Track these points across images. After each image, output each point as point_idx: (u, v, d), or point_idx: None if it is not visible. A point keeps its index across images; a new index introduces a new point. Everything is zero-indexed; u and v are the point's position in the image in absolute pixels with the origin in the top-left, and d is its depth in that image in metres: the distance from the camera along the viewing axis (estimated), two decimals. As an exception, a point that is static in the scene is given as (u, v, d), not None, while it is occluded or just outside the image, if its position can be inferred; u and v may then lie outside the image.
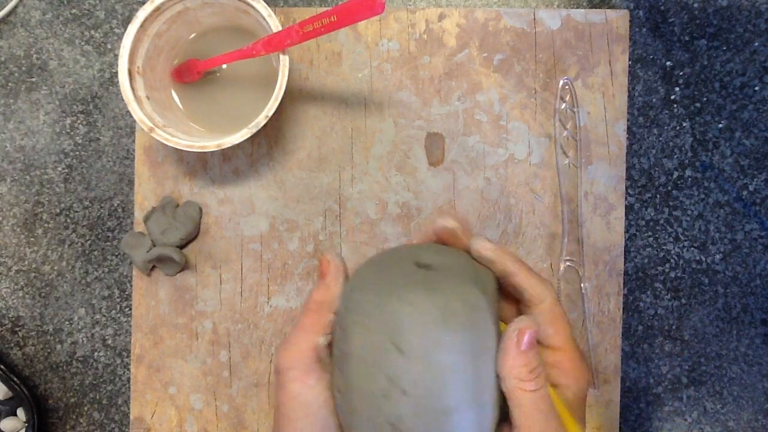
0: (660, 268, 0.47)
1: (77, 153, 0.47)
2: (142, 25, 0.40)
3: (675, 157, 0.47)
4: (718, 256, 0.47)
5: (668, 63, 0.47)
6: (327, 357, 0.30)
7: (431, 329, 0.26)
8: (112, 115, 0.47)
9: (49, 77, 0.47)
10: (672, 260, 0.47)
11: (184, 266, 0.46)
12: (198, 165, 0.46)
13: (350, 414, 0.28)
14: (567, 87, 0.46)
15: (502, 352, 0.28)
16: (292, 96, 0.46)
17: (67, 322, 0.47)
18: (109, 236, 0.47)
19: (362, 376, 0.27)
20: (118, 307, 0.47)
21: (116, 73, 0.47)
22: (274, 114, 0.40)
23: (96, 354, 0.47)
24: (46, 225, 0.47)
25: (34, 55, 0.47)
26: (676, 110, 0.47)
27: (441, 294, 0.27)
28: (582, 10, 0.46)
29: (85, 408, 0.47)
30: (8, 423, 0.45)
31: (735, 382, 0.47)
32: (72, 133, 0.47)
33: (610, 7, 0.47)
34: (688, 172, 0.47)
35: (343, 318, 0.29)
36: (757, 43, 0.47)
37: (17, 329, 0.47)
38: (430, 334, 0.26)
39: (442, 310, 0.27)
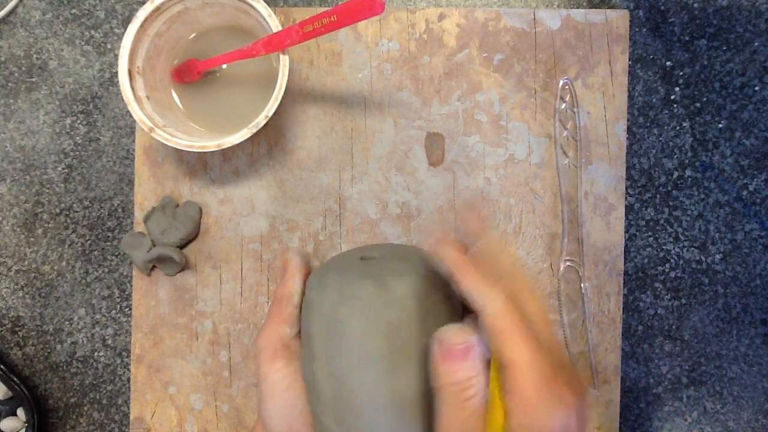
0: (660, 268, 0.47)
1: (77, 153, 0.47)
2: (142, 25, 0.40)
3: (675, 157, 0.47)
4: (718, 256, 0.47)
5: (668, 63, 0.47)
6: (295, 345, 0.32)
7: (365, 315, 0.29)
8: (112, 115, 0.47)
9: (49, 77, 0.47)
10: (672, 260, 0.47)
11: (184, 266, 0.46)
12: (198, 165, 0.46)
13: (313, 389, 0.30)
14: (567, 87, 0.46)
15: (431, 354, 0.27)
16: (292, 96, 0.46)
17: (67, 322, 0.47)
18: (109, 236, 0.47)
19: (318, 357, 0.30)
20: (118, 307, 0.47)
21: (116, 73, 0.47)
22: (274, 114, 0.39)
23: (96, 354, 0.47)
24: (46, 225, 0.47)
25: (34, 55, 0.47)
26: (676, 110, 0.47)
27: (374, 278, 0.30)
28: (582, 10, 0.46)
29: (85, 408, 0.47)
30: (8, 423, 0.45)
31: (735, 382, 0.47)
32: (72, 133, 0.47)
33: (610, 7, 0.47)
34: (688, 172, 0.47)
35: (304, 305, 0.33)
36: (757, 43, 0.47)
37: (17, 329, 0.47)
38: (365, 319, 0.29)
39: (375, 294, 0.29)
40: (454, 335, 0.26)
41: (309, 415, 0.31)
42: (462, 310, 0.31)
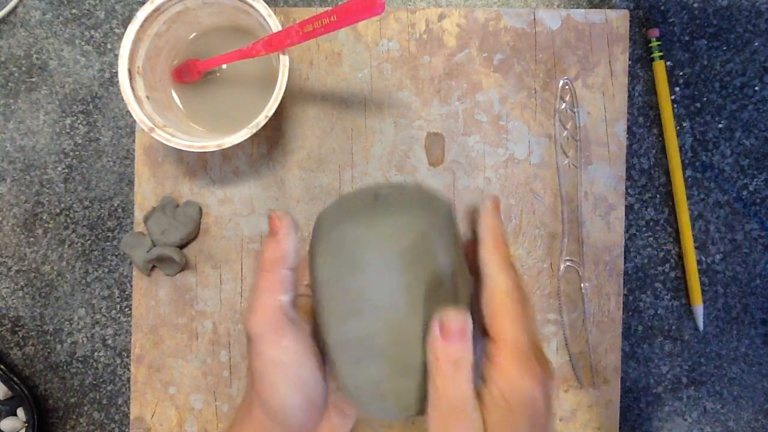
0: (660, 268, 0.47)
1: (77, 153, 0.47)
2: (142, 25, 0.40)
3: (675, 157, 0.47)
4: (718, 256, 0.47)
5: (668, 63, 0.47)
6: (294, 312, 0.31)
7: (383, 246, 0.29)
8: (112, 115, 0.47)
9: (49, 77, 0.47)
10: (672, 260, 0.47)
11: (184, 266, 0.46)
12: (198, 165, 0.46)
13: (327, 337, 0.30)
14: (567, 87, 0.46)
15: (428, 332, 0.29)
16: (292, 96, 0.46)
17: (67, 322, 0.47)
18: (109, 236, 0.47)
19: (331, 300, 0.29)
20: (118, 307, 0.47)
21: (116, 73, 0.47)
22: (274, 114, 0.39)
23: (96, 354, 0.47)
24: (46, 225, 0.47)
25: (34, 55, 0.47)
26: (676, 110, 0.47)
27: (391, 216, 0.30)
28: (582, 10, 0.46)
29: (85, 408, 0.47)
30: (8, 423, 0.45)
31: (735, 382, 0.47)
32: (72, 133, 0.47)
33: (610, 7, 0.47)
34: (688, 172, 0.47)
35: (311, 250, 0.31)
36: (757, 43, 0.47)
37: (17, 329, 0.47)
38: (383, 252, 0.29)
39: (392, 229, 0.29)
40: (455, 317, 0.28)
41: (322, 383, 0.31)
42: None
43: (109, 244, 0.47)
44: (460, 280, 0.30)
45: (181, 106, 0.45)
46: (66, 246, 0.47)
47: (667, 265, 0.47)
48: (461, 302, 0.30)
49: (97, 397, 0.47)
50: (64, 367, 0.47)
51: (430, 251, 0.29)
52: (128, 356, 0.47)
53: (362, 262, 0.29)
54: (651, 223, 0.47)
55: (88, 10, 0.47)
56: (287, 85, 0.39)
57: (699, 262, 0.47)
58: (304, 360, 0.30)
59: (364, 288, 0.29)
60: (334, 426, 0.33)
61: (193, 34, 0.45)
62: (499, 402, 0.27)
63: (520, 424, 0.27)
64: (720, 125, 0.47)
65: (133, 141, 0.47)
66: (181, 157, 0.46)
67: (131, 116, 0.46)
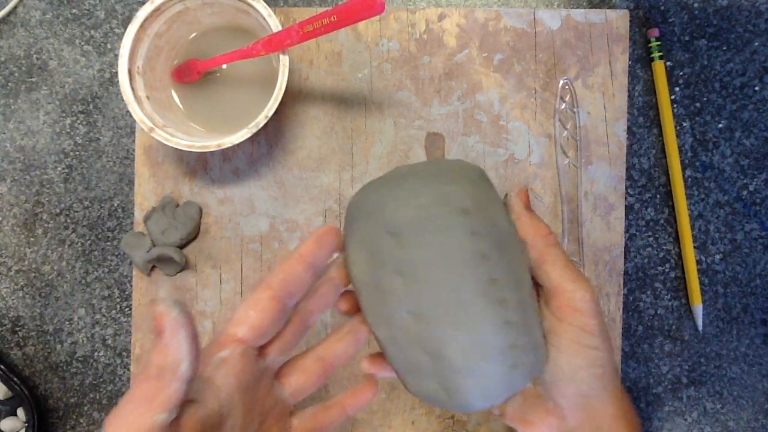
0: (660, 268, 0.47)
1: (77, 153, 0.47)
2: (142, 25, 0.40)
3: (675, 157, 0.47)
4: (718, 256, 0.47)
5: (668, 63, 0.47)
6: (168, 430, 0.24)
7: (424, 207, 0.27)
8: (112, 115, 0.47)
9: (49, 77, 0.47)
10: (672, 260, 0.47)
11: (184, 266, 0.46)
12: (198, 165, 0.46)
13: (377, 332, 0.29)
14: (567, 87, 0.46)
15: (519, 219, 0.31)
16: (292, 96, 0.46)
17: (67, 322, 0.47)
18: (109, 236, 0.47)
19: (367, 269, 0.28)
20: (118, 307, 0.47)
21: (116, 73, 0.47)
22: (274, 114, 0.40)
23: (96, 354, 0.47)
24: (46, 225, 0.47)
25: (34, 55, 0.47)
26: (676, 110, 0.47)
27: (438, 183, 0.29)
28: (582, 10, 0.46)
29: (85, 408, 0.47)
30: (8, 423, 0.45)
31: (735, 382, 0.47)
32: (72, 133, 0.47)
33: (610, 7, 0.47)
34: (688, 172, 0.47)
35: (346, 244, 0.30)
36: (757, 43, 0.47)
37: (17, 329, 0.47)
38: (423, 213, 0.27)
39: (438, 193, 0.28)
40: (523, 186, 0.32)
41: None
42: None
43: (109, 244, 0.47)
44: (516, 241, 0.30)
45: (181, 106, 0.45)
46: (66, 246, 0.47)
47: (667, 265, 0.47)
48: (520, 264, 0.30)
49: (97, 397, 0.47)
50: (64, 367, 0.47)
51: (484, 217, 0.29)
52: (128, 356, 0.47)
53: (397, 227, 0.27)
54: (651, 223, 0.47)
55: (88, 10, 0.47)
56: (287, 85, 0.39)
57: (699, 262, 0.47)
58: None
59: (401, 255, 0.27)
60: None
61: (193, 34, 0.45)
62: (569, 313, 0.30)
63: (591, 323, 0.29)
64: (720, 125, 0.47)
65: (133, 141, 0.47)
66: (181, 157, 0.46)
67: (131, 116, 0.46)
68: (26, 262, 0.47)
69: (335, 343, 0.32)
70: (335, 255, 0.31)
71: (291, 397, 0.32)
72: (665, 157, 0.47)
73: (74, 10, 0.47)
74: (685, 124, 0.47)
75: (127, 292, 0.47)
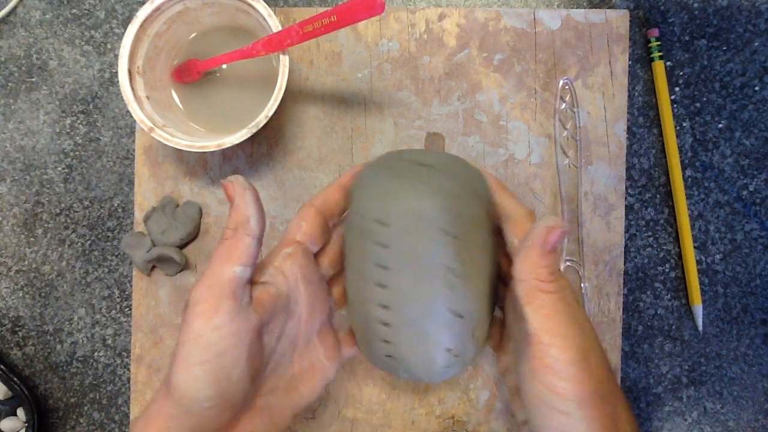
0: (660, 268, 0.47)
1: (77, 153, 0.47)
2: (142, 25, 0.40)
3: (675, 157, 0.47)
4: (718, 256, 0.47)
5: (668, 63, 0.47)
6: (245, 294, 0.27)
7: (414, 200, 0.31)
8: (112, 115, 0.47)
9: (49, 77, 0.47)
10: (672, 260, 0.47)
11: (184, 266, 0.46)
12: (198, 165, 0.46)
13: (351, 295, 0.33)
14: (567, 87, 0.46)
15: (524, 251, 0.28)
16: (292, 96, 0.46)
17: (67, 322, 0.47)
18: (109, 236, 0.47)
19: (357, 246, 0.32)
20: (118, 307, 0.47)
21: (116, 73, 0.47)
22: (274, 114, 0.39)
23: (96, 354, 0.47)
24: (46, 225, 0.47)
25: (34, 55, 0.47)
26: (676, 110, 0.47)
27: (433, 178, 0.32)
28: (582, 10, 0.46)
29: (85, 408, 0.47)
30: (8, 423, 0.45)
31: (735, 382, 0.47)
32: (72, 133, 0.47)
33: (610, 7, 0.47)
34: (688, 172, 0.47)
35: (350, 208, 0.34)
36: (757, 43, 0.47)
37: (17, 329, 0.47)
38: (414, 204, 0.31)
39: (430, 186, 0.31)
40: (561, 222, 0.29)
41: (245, 380, 0.27)
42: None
43: (109, 244, 0.47)
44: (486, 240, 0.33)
45: (181, 106, 0.45)
46: (66, 246, 0.47)
47: (667, 265, 0.47)
48: (488, 254, 0.33)
49: (97, 397, 0.47)
50: (64, 367, 0.47)
51: (463, 211, 0.31)
52: (128, 356, 0.47)
53: (391, 216, 0.31)
54: (651, 223, 0.47)
55: (88, 10, 0.47)
56: (287, 85, 0.39)
57: (699, 262, 0.47)
58: (231, 348, 0.26)
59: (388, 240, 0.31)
60: None
61: (193, 34, 0.45)
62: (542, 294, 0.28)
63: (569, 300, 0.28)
64: (720, 125, 0.47)
65: (133, 141, 0.47)
66: (181, 157, 0.46)
67: (131, 116, 0.46)
68: (26, 262, 0.47)
69: None
70: None
71: (335, 305, 0.36)
72: (665, 157, 0.47)
73: (74, 10, 0.47)
74: (685, 124, 0.47)
75: (127, 292, 0.47)
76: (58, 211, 0.47)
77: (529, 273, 0.28)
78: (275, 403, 0.31)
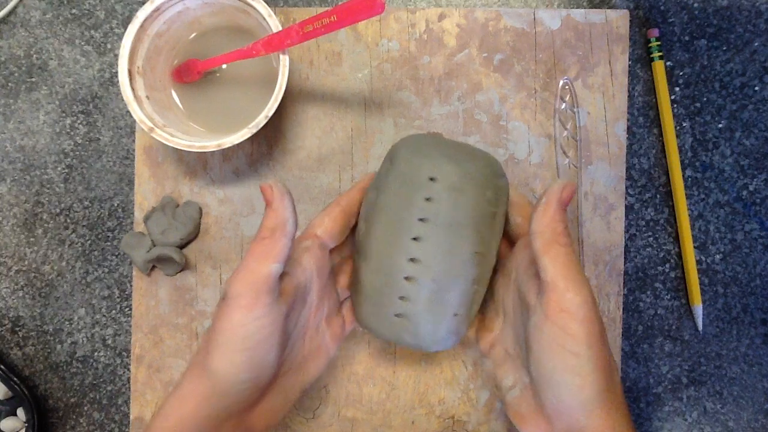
0: (660, 268, 0.47)
1: (77, 153, 0.47)
2: (142, 25, 0.40)
3: (675, 157, 0.47)
4: (718, 256, 0.47)
5: (668, 63, 0.47)
6: (277, 288, 0.30)
7: (463, 162, 0.34)
8: (112, 115, 0.47)
9: (49, 77, 0.47)
10: (672, 260, 0.47)
11: (184, 266, 0.46)
12: (198, 165, 0.46)
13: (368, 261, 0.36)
14: (567, 87, 0.46)
15: (542, 207, 0.31)
16: (292, 96, 0.46)
17: (67, 322, 0.47)
18: (109, 236, 0.47)
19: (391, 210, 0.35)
20: (118, 307, 0.47)
21: (116, 73, 0.47)
22: (274, 114, 0.40)
23: (96, 354, 0.47)
24: (46, 225, 0.47)
25: (34, 55, 0.47)
26: (676, 110, 0.47)
27: (471, 151, 0.37)
28: (582, 10, 0.46)
29: (85, 408, 0.47)
30: (8, 423, 0.45)
31: (735, 382, 0.47)
32: (72, 133, 0.47)
33: (610, 7, 0.47)
34: (688, 172, 0.47)
35: (377, 180, 0.37)
36: (757, 43, 0.47)
37: (17, 329, 0.47)
38: (463, 165, 0.34)
39: (473, 156, 0.36)
40: (573, 182, 0.33)
41: (274, 365, 0.31)
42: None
43: (109, 244, 0.47)
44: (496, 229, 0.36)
45: (181, 106, 0.45)
46: (66, 246, 0.47)
47: (667, 265, 0.47)
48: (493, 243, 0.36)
49: (97, 397, 0.47)
50: (64, 367, 0.47)
51: (483, 197, 0.34)
52: (128, 356, 0.47)
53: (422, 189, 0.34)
54: (651, 223, 0.47)
55: (88, 10, 0.47)
56: (287, 85, 0.39)
57: (699, 262, 0.47)
58: (267, 337, 0.30)
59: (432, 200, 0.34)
60: (274, 408, 0.33)
61: (193, 34, 0.45)
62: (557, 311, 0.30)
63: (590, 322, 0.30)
64: (720, 125, 0.47)
65: (133, 141, 0.47)
66: (181, 157, 0.46)
67: (131, 116, 0.46)
68: (26, 262, 0.47)
69: None
70: None
71: (341, 293, 0.40)
72: (665, 157, 0.47)
73: (74, 10, 0.47)
74: (685, 124, 0.47)
75: (127, 292, 0.47)
76: (58, 211, 0.47)
77: (546, 226, 0.31)
78: (288, 381, 0.34)
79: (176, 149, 0.45)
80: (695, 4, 0.47)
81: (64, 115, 0.47)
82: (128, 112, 0.47)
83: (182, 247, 0.46)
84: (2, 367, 0.45)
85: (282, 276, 0.32)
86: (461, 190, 0.34)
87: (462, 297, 0.35)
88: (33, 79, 0.47)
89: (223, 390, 0.30)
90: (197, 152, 0.45)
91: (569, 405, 0.30)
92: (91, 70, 0.47)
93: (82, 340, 0.47)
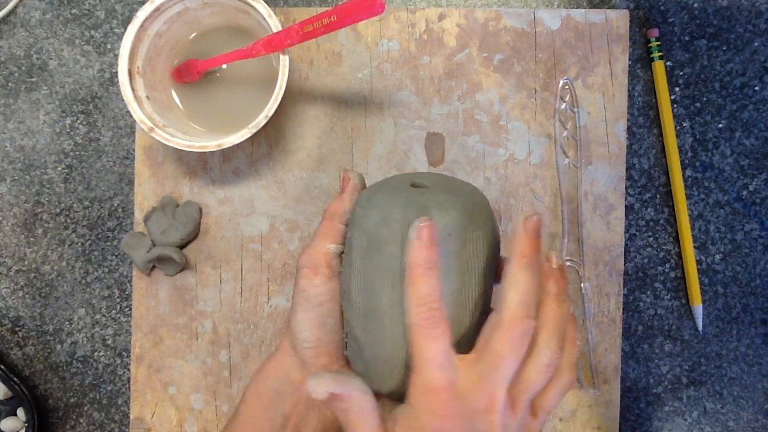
0: (660, 268, 0.47)
1: (77, 153, 0.47)
2: (142, 25, 0.40)
3: (675, 157, 0.47)
4: (718, 256, 0.47)
5: (668, 63, 0.47)
6: (336, 264, 0.34)
7: (403, 239, 0.30)
8: (112, 115, 0.47)
9: (49, 77, 0.47)
10: (672, 260, 0.47)
11: (184, 266, 0.46)
12: (198, 165, 0.46)
13: (347, 297, 0.33)
14: (567, 87, 0.46)
15: (512, 237, 0.33)
16: (292, 96, 0.46)
17: (67, 322, 0.47)
18: (109, 236, 0.47)
19: (355, 269, 0.32)
20: (118, 307, 0.47)
21: (116, 73, 0.47)
22: (274, 114, 0.40)
23: (96, 354, 0.47)
24: (46, 225, 0.47)
25: (34, 55, 0.47)
26: (676, 110, 0.47)
27: (419, 207, 0.31)
28: (582, 10, 0.46)
29: (85, 408, 0.47)
30: (8, 423, 0.45)
31: (735, 382, 0.47)
32: (72, 133, 0.47)
33: (610, 7, 0.47)
34: (688, 172, 0.47)
35: (350, 218, 0.34)
36: (757, 43, 0.47)
37: (17, 329, 0.47)
38: (402, 244, 0.30)
39: (424, 203, 0.31)
40: (426, 222, 0.30)
41: (338, 331, 0.35)
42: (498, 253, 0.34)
43: (109, 244, 0.47)
44: (482, 289, 0.32)
45: (181, 106, 0.45)
46: (66, 246, 0.47)
47: (667, 265, 0.47)
48: (478, 306, 0.31)
49: (97, 397, 0.47)
50: (64, 367, 0.47)
51: (458, 247, 0.31)
52: (128, 356, 0.47)
53: (381, 259, 0.31)
54: (651, 223, 0.47)
55: (88, 10, 0.47)
56: (287, 85, 0.39)
57: (699, 262, 0.47)
58: (325, 303, 0.34)
59: (377, 292, 0.31)
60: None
61: (193, 34, 0.45)
62: None
63: None
64: (720, 125, 0.47)
65: (133, 141, 0.47)
66: (181, 157, 0.46)
67: (131, 116, 0.46)
68: (26, 262, 0.47)
69: None
70: None
71: None
72: (665, 157, 0.47)
73: (74, 10, 0.47)
74: (685, 124, 0.47)
75: (127, 292, 0.47)
76: (58, 211, 0.47)
77: (514, 250, 0.31)
78: None
79: (176, 149, 0.45)
80: (695, 4, 0.47)
81: (64, 115, 0.47)
82: (128, 112, 0.47)
83: (182, 247, 0.46)
84: (2, 367, 0.45)
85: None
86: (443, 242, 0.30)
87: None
88: (33, 79, 0.47)
89: (294, 346, 0.35)
90: (197, 152, 0.45)
91: None
92: (91, 70, 0.47)
93: (82, 340, 0.47)
